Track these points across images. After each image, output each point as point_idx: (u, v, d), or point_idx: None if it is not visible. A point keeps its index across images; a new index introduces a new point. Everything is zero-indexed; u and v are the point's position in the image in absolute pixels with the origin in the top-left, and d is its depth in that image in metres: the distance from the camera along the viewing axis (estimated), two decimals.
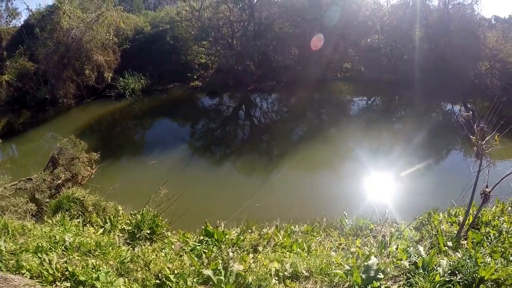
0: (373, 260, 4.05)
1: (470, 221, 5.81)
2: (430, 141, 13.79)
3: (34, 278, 3.78)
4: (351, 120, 16.90)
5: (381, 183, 10.49)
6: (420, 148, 13.02)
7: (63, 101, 17.56)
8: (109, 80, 18.89)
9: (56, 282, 3.84)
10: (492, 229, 5.80)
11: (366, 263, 4.07)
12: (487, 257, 4.46)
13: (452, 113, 17.71)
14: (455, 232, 5.69)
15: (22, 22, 24.03)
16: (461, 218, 6.21)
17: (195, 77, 21.42)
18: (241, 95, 20.36)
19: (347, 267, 4.07)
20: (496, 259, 4.38)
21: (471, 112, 5.60)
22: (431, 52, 20.05)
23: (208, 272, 3.95)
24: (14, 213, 6.52)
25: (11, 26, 24.28)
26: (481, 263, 4.10)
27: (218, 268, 4.20)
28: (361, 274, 3.91)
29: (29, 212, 6.86)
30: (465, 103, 17.85)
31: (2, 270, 3.67)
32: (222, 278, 3.92)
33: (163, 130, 16.44)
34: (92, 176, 10.72)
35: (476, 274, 3.91)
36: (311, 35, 20.34)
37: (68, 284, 3.79)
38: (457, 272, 4.02)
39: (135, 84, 19.46)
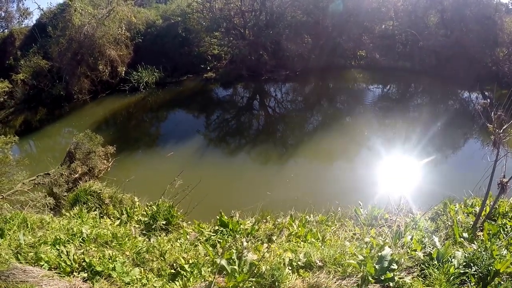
0: (387, 251, 3.98)
1: (487, 212, 5.65)
2: (446, 130, 13.38)
3: (52, 269, 3.92)
4: (367, 108, 16.52)
5: (397, 173, 10.28)
6: (437, 137, 12.67)
7: (78, 96, 17.89)
8: (123, 74, 19.11)
9: (74, 273, 3.97)
10: (509, 221, 5.63)
11: (380, 254, 4.01)
12: (503, 249, 4.33)
13: (469, 101, 17.07)
14: (471, 223, 5.55)
15: (34, 22, 24.48)
16: (477, 209, 6.05)
17: (208, 68, 21.38)
18: (255, 85, 20.26)
19: (360, 257, 4.01)
20: None
21: (488, 100, 5.31)
22: (447, 38, 19.25)
23: (222, 261, 3.98)
24: (33, 208, 6.76)
25: (23, 26, 24.82)
26: (496, 255, 3.99)
27: (232, 257, 4.21)
28: (374, 264, 3.86)
29: (47, 206, 7.09)
30: (482, 91, 17.16)
31: (21, 262, 3.82)
32: (236, 267, 3.94)
33: (178, 122, 16.60)
34: (109, 169, 10.96)
35: (491, 267, 3.81)
36: (324, 23, 19.83)
37: (85, 275, 3.91)
38: (472, 264, 3.93)
39: (149, 77, 19.63)
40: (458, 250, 4.26)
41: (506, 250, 4.36)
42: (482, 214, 5.55)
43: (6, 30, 24.89)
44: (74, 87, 17.45)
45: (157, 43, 21.14)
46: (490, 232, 5.14)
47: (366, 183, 9.53)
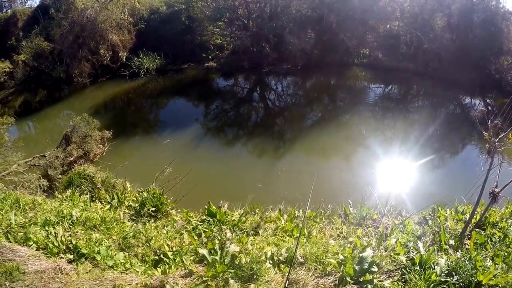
0: (368, 252, 3.99)
1: (476, 221, 5.62)
2: (445, 134, 13.39)
3: (40, 249, 4.01)
4: (367, 107, 16.49)
5: (392, 174, 10.30)
6: (435, 141, 12.70)
7: (78, 80, 17.85)
8: (124, 60, 19.04)
9: (60, 254, 4.05)
10: (499, 231, 5.57)
11: (361, 255, 4.01)
12: (488, 260, 4.27)
13: (470, 107, 17.03)
14: (460, 230, 5.47)
15: (37, 3, 24.18)
16: (468, 216, 5.99)
17: (210, 57, 21.28)
18: (256, 77, 20.17)
19: (341, 257, 4.04)
20: (497, 264, 4.20)
21: (489, 108, 5.28)
22: (452, 42, 19.12)
23: (203, 251, 4.03)
24: (26, 189, 6.82)
25: (26, 6, 24.53)
26: (479, 266, 3.92)
27: (215, 248, 4.27)
28: (354, 265, 3.85)
29: (41, 188, 7.15)
30: (484, 98, 17.11)
31: (11, 242, 3.89)
32: (216, 258, 3.99)
33: (177, 110, 16.59)
34: (104, 153, 11.01)
35: (473, 278, 3.75)
36: (329, 18, 19.62)
37: (71, 256, 4.00)
38: (454, 273, 3.86)
39: (150, 64, 19.53)
40: (442, 257, 4.20)
41: (491, 261, 4.29)
42: (472, 222, 5.54)
43: (9, 10, 24.60)
44: (75, 70, 17.41)
45: (159, 30, 20.96)
46: (478, 241, 5.06)
47: (359, 182, 9.52)
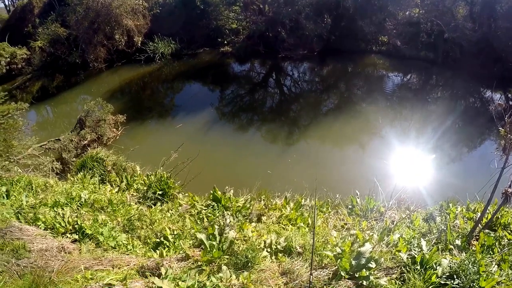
0: (366, 247, 3.85)
1: (487, 220, 5.31)
2: (464, 127, 12.88)
3: (48, 229, 4.20)
4: (384, 96, 16.00)
5: (405, 166, 10.04)
6: (452, 134, 12.24)
7: (94, 65, 18.17)
8: (139, 45, 19.22)
9: (67, 234, 4.22)
10: (509, 234, 5.23)
11: (359, 249, 3.89)
12: (494, 265, 3.98)
13: (490, 101, 16.21)
14: (469, 229, 5.17)
15: None
16: (479, 215, 5.77)
17: (225, 42, 21.15)
18: (272, 62, 19.92)
19: (338, 250, 3.99)
20: (503, 270, 3.93)
21: (505, 102, 4.95)
22: (474, 32, 18.10)
23: (201, 236, 4.07)
24: (40, 171, 7.10)
25: None
26: (483, 271, 3.66)
27: (214, 233, 4.28)
28: (351, 259, 3.73)
29: (54, 170, 7.43)
30: (505, 92, 16.21)
31: (21, 222, 4.10)
32: (214, 243, 4.02)
33: (192, 94, 16.68)
34: (118, 137, 11.29)
35: (475, 283, 3.51)
36: (346, 4, 18.88)
37: (76, 236, 4.17)
38: (455, 276, 3.63)
39: (165, 49, 19.63)
40: (446, 258, 3.95)
41: (497, 266, 4.01)
42: (482, 222, 5.26)
43: None
44: (90, 55, 17.73)
45: (174, 15, 20.87)
46: (485, 243, 4.77)
47: (371, 173, 9.28)
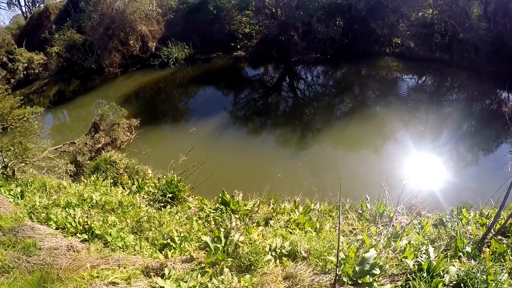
0: (371, 253, 3.76)
1: (500, 226, 5.12)
2: (480, 130, 12.53)
3: (59, 229, 4.36)
4: (399, 99, 15.72)
5: (420, 170, 9.79)
6: (469, 137, 11.90)
7: (109, 70, 18.70)
8: (153, 50, 19.64)
9: (77, 234, 4.37)
10: None
11: (363, 255, 3.81)
12: (504, 273, 3.81)
13: (507, 102, 15.60)
14: (481, 236, 4.96)
15: None
16: (491, 221, 5.55)
17: (238, 47, 21.34)
18: (285, 66, 19.93)
19: (342, 256, 3.95)
20: None
21: None
22: (489, 32, 17.54)
23: (206, 238, 4.14)
24: (54, 173, 7.37)
25: (58, 1, 25.72)
26: (491, 280, 3.52)
27: (220, 236, 4.33)
28: (355, 265, 3.68)
29: (68, 173, 7.70)
30: None
31: (33, 221, 4.28)
32: (219, 246, 4.07)
33: (206, 99, 16.85)
34: (131, 141, 11.57)
35: None
36: (358, 6, 18.70)
37: (86, 236, 4.31)
38: (462, 285, 3.51)
39: (179, 53, 19.98)
40: (454, 265, 3.83)
41: (507, 274, 3.84)
42: (495, 228, 5.10)
43: (42, 5, 26.11)
44: (105, 61, 18.25)
45: (188, 20, 21.25)
46: (497, 250, 4.58)
47: (383, 177, 9.13)
